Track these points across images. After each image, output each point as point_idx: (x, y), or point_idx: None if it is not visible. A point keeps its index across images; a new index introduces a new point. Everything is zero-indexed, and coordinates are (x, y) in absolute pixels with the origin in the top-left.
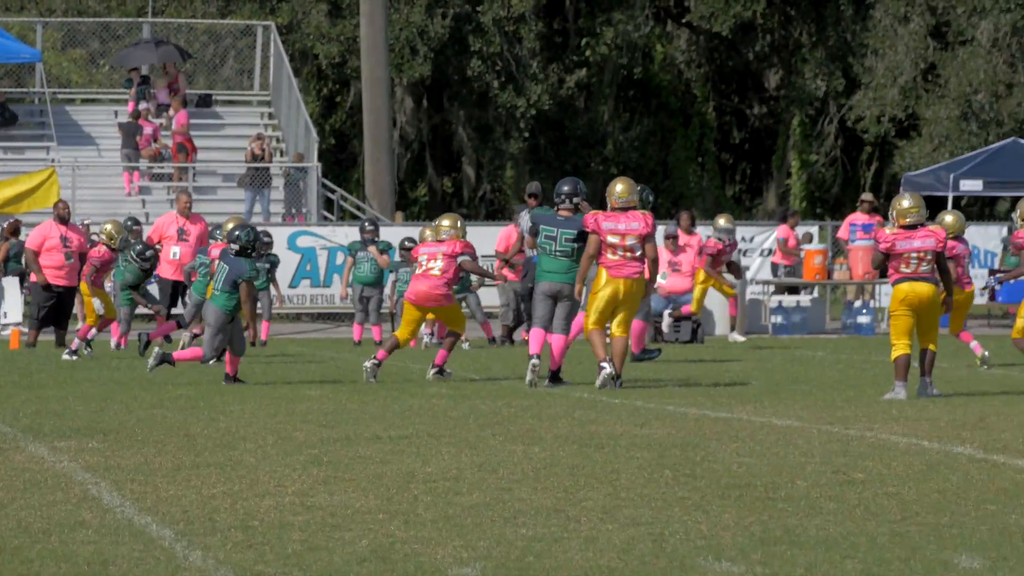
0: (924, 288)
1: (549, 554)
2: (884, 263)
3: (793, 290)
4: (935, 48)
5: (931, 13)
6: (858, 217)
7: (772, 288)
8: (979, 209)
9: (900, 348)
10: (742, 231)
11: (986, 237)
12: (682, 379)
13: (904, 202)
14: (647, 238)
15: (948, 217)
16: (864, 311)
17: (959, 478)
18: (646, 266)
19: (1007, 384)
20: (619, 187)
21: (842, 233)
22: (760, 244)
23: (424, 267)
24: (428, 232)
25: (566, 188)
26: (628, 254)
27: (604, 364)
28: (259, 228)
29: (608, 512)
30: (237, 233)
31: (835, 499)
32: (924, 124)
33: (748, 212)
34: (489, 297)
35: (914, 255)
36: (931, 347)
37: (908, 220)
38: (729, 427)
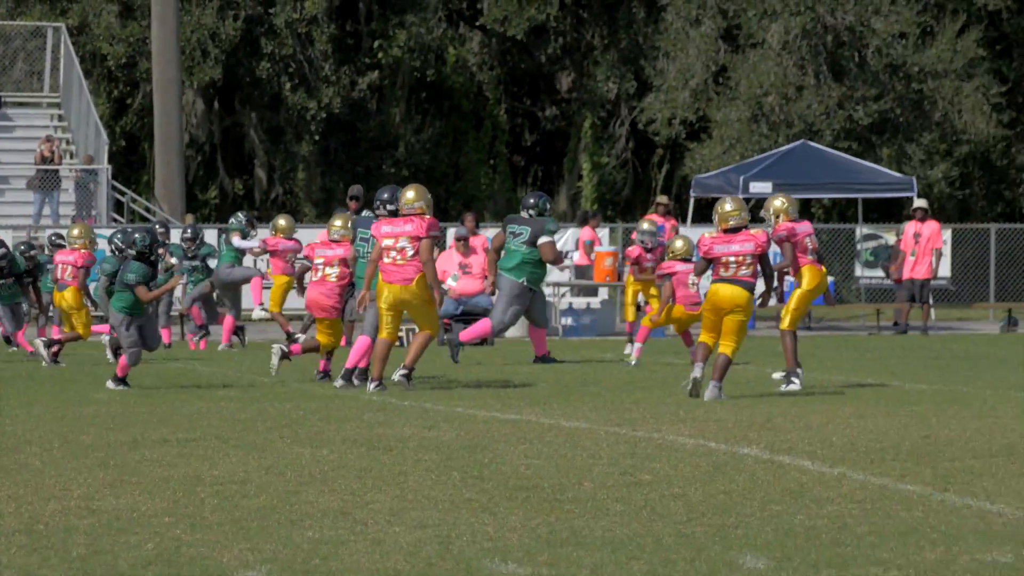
0: (727, 290)
1: (336, 556)
2: (707, 268)
3: (588, 292)
4: (726, 51)
5: (722, 16)
6: (652, 219)
7: (563, 290)
8: None
9: (702, 337)
10: None
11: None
12: (471, 381)
13: (726, 206)
14: (421, 240)
15: (677, 243)
16: None
17: (745, 479)
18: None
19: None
20: (409, 194)
21: (634, 236)
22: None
23: (320, 273)
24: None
25: (385, 195)
26: (399, 256)
27: (373, 383)
28: (53, 231)
29: (395, 514)
30: (135, 237)
31: (622, 500)
32: (715, 126)
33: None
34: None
35: (732, 259)
36: (727, 352)
37: (731, 223)
38: (517, 429)
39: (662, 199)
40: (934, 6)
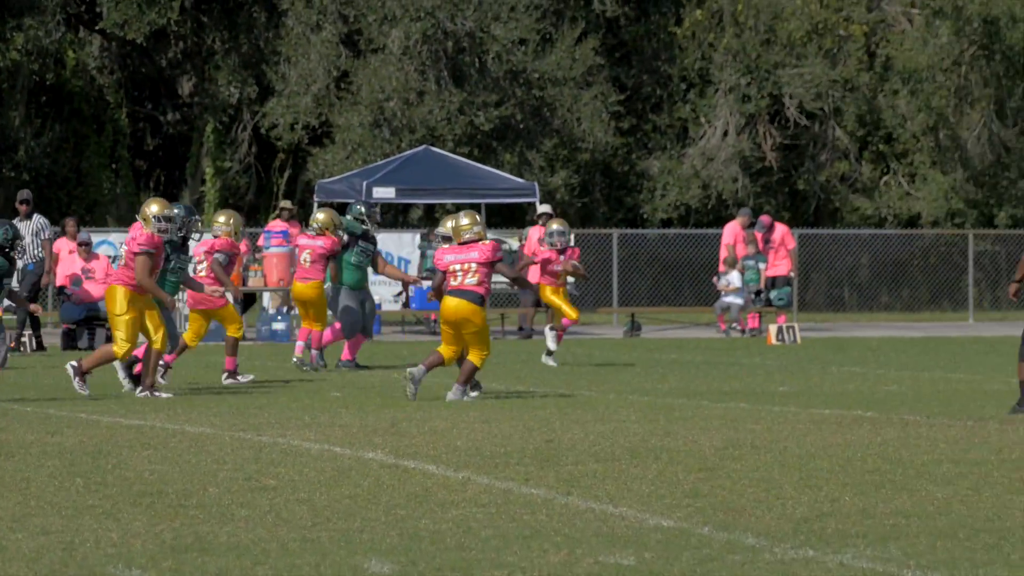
0: (452, 303)
1: None
2: (443, 280)
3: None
4: (347, 56)
5: (343, 21)
6: (276, 224)
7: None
8: (393, 216)
9: (441, 348)
10: None
11: (399, 244)
12: (96, 387)
13: (462, 220)
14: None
15: (320, 215)
16: (279, 318)
17: (370, 483)
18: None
19: (421, 391)
20: (153, 207)
21: (260, 241)
22: None
23: (196, 270)
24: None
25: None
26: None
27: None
28: None
29: (18, 521)
30: None
31: (247, 505)
32: (337, 131)
33: None
34: None
35: (458, 267)
36: (474, 360)
37: (466, 237)
38: (142, 434)
39: (285, 204)
40: (553, 13)
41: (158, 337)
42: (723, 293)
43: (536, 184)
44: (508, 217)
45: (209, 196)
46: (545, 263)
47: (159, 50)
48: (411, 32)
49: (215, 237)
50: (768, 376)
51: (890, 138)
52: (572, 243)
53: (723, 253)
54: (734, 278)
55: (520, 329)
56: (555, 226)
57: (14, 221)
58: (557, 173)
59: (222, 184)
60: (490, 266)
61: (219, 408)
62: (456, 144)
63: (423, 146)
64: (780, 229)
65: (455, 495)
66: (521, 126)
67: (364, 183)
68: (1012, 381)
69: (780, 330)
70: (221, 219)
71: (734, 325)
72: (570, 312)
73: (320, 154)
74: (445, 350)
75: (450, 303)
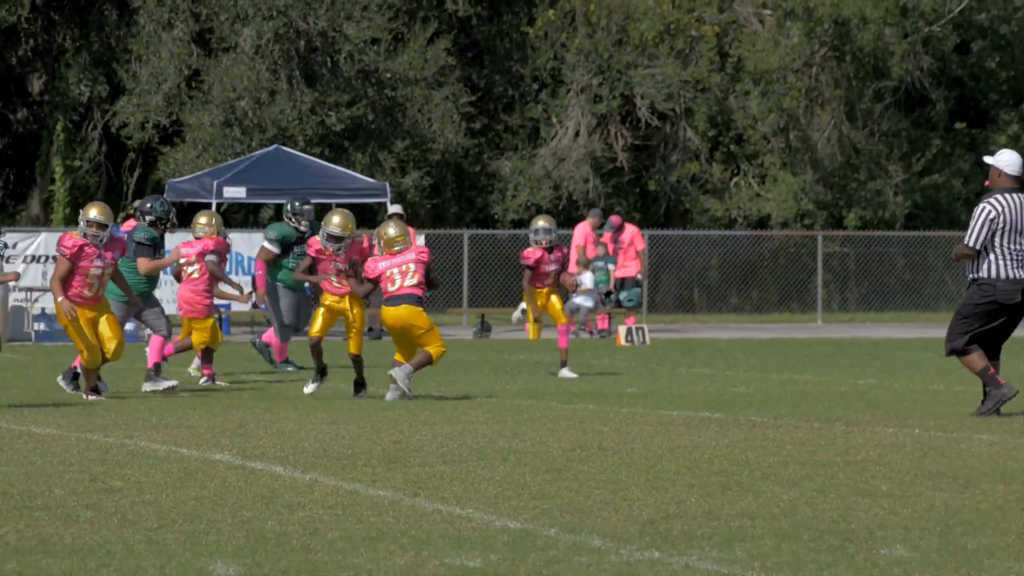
0: (391, 312)
1: None
2: (374, 289)
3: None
4: (199, 54)
5: (195, 19)
6: (129, 224)
7: (36, 295)
8: (244, 216)
9: (397, 357)
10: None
11: (251, 244)
12: None
13: (390, 230)
14: None
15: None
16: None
17: (217, 485)
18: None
19: (269, 392)
20: (91, 212)
21: None
22: (24, 251)
23: (187, 272)
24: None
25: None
26: None
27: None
28: None
29: None
30: None
31: (92, 507)
32: (188, 130)
33: (12, 218)
34: None
35: (396, 271)
36: (429, 350)
37: (396, 248)
38: None
39: (137, 203)
40: (405, 13)
41: (111, 347)
42: (573, 294)
43: (387, 184)
44: (359, 218)
45: (59, 195)
46: (536, 263)
47: (9, 47)
48: (263, 31)
49: (197, 239)
50: (617, 377)
51: (741, 139)
52: (557, 241)
53: (574, 254)
54: (586, 279)
55: (370, 330)
56: (540, 223)
57: None
58: (408, 174)
59: (72, 183)
60: (425, 267)
61: (66, 409)
62: (307, 144)
63: (274, 146)
64: (630, 230)
65: (302, 497)
66: (373, 126)
67: (215, 183)
68: (859, 383)
69: (629, 331)
70: (203, 220)
71: (583, 326)
72: (559, 316)
73: (171, 153)
74: (400, 358)
75: (390, 312)
